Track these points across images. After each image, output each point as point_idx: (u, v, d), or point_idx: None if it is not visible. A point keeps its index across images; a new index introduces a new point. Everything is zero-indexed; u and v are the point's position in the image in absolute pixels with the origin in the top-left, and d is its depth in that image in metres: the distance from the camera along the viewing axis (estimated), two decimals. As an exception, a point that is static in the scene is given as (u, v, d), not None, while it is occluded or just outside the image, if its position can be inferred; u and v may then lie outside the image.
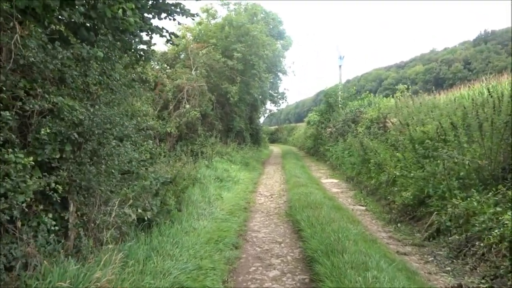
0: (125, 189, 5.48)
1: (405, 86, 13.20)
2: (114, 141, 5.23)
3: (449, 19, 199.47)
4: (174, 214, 6.45)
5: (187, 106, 15.42)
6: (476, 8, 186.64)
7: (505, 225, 4.36)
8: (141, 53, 6.92)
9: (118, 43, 5.64)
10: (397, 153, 8.59)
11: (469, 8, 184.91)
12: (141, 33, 6.42)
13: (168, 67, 17.01)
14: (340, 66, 34.14)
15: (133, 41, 6.04)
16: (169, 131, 15.41)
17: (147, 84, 16.21)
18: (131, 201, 5.46)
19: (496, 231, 4.33)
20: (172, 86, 15.95)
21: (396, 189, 7.74)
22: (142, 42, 6.17)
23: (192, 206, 7.35)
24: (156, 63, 17.22)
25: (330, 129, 18.14)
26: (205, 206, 7.71)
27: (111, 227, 4.74)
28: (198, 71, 16.64)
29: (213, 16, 19.68)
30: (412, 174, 6.90)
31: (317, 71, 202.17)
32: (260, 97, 25.09)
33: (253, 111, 26.20)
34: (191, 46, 16.84)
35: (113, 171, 4.98)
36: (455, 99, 9.49)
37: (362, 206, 8.56)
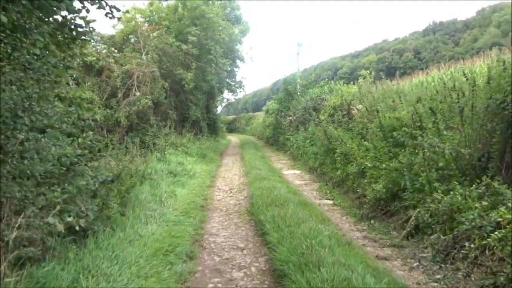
0: (50, 193, 4.43)
1: (368, 71, 12.75)
2: (32, 133, 4.17)
3: (399, 10, 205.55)
4: (117, 219, 5.46)
5: (137, 93, 14.19)
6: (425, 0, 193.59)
7: (503, 226, 3.78)
8: (78, 29, 5.78)
9: (37, 11, 4.52)
10: (365, 142, 8.01)
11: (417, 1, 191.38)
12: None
13: (116, 51, 15.57)
14: (298, 53, 33.75)
15: (57, 9, 4.91)
16: (118, 121, 14.18)
17: (91, 69, 14.85)
18: (58, 207, 4.43)
19: (496, 233, 3.74)
20: (121, 71, 14.63)
21: (365, 181, 7.15)
22: (70, 10, 5.04)
23: (140, 207, 6.37)
24: (102, 46, 15.72)
25: (290, 118, 17.51)
26: (155, 207, 6.74)
27: (27, 243, 3.73)
28: (149, 55, 15.36)
29: (165, -2, 18.30)
30: (384, 165, 6.29)
31: (274, 60, 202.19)
32: (217, 85, 24.05)
33: (210, 99, 25.13)
34: (141, 28, 15.46)
35: (29, 171, 3.93)
36: (422, 84, 9.08)
37: (329, 200, 7.93)
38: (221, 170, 13.30)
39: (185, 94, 18.96)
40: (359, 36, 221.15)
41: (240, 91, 28.94)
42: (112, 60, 15.09)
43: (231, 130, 48.19)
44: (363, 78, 12.62)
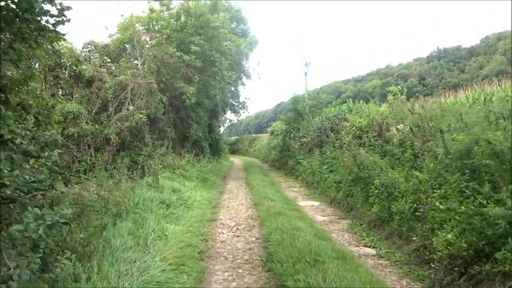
0: None
1: (398, 87, 10.98)
2: None
3: (402, 36, 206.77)
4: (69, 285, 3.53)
5: (131, 107, 12.39)
6: (428, 27, 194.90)
7: None
8: (45, 23, 3.99)
9: None
10: (416, 172, 6.10)
11: (421, 26, 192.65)
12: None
13: (109, 60, 13.88)
14: (305, 73, 32.22)
15: None
16: (107, 138, 12.35)
17: (80, 79, 13.13)
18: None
19: None
20: (114, 83, 12.88)
21: (426, 226, 5.22)
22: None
23: (112, 258, 4.43)
24: (94, 55, 14.05)
25: (303, 139, 15.65)
26: (136, 256, 4.79)
27: None
28: (146, 65, 13.65)
29: (167, 7, 16.68)
30: (463, 208, 4.37)
31: (278, 81, 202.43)
32: (222, 103, 22.37)
33: (213, 118, 23.40)
34: (138, 35, 13.78)
35: None
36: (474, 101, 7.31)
37: (370, 247, 5.98)
38: (224, 198, 11.35)
39: (186, 111, 17.18)
40: (362, 61, 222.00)
41: (243, 112, 27.45)
42: (104, 70, 13.39)
43: (233, 152, 46.50)
44: (393, 95, 10.86)
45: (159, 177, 9.14)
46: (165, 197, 7.95)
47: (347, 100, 15.08)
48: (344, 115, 13.31)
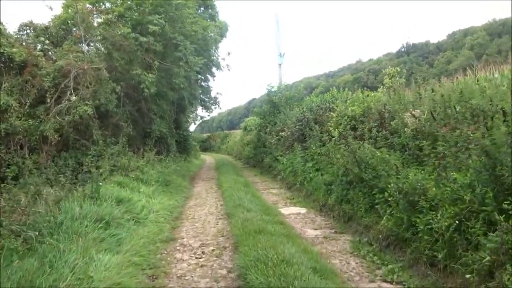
0: None
1: (397, 68, 9.27)
2: None
3: (372, 32, 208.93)
4: None
5: (73, 98, 10.14)
6: (397, 22, 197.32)
7: None
8: None
9: None
10: (454, 174, 4.31)
11: (390, 21, 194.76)
12: None
13: (47, 42, 11.56)
14: (280, 64, 30.57)
15: None
16: (45, 136, 10.10)
17: (9, 64, 10.78)
18: None
19: None
20: (53, 69, 10.58)
21: (481, 256, 3.44)
22: None
23: None
24: (32, 38, 11.67)
25: (283, 133, 13.77)
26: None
27: None
28: (91, 47, 11.42)
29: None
30: None
31: (251, 76, 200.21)
32: (189, 96, 20.22)
33: (180, 112, 21.22)
34: (81, 12, 11.42)
35: None
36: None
37: (392, 284, 4.14)
38: (189, 206, 9.34)
39: (146, 104, 14.98)
40: (333, 57, 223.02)
41: (215, 108, 25.47)
42: (40, 53, 11.05)
43: (205, 149, 44.41)
44: (390, 78, 9.14)
45: (100, 184, 7.01)
46: (104, 212, 5.85)
47: (331, 88, 13.32)
48: (329, 104, 11.53)
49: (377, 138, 6.85)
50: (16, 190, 6.66)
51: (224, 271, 4.65)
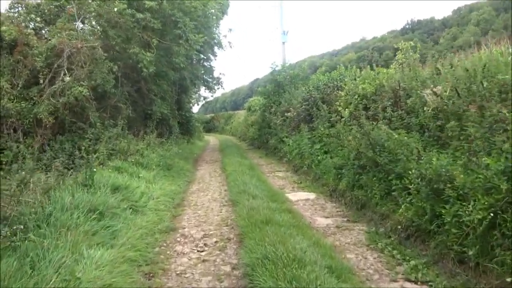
0: None
1: (410, 43, 8.62)
2: None
3: (374, 9, 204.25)
4: None
5: (67, 78, 9.60)
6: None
7: None
8: None
9: None
10: (487, 159, 3.80)
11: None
12: None
13: (38, 20, 10.96)
14: (283, 42, 29.65)
15: None
16: (38, 119, 9.64)
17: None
18: None
19: None
20: (45, 48, 10.01)
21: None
22: None
23: None
24: (18, 14, 11.05)
25: (288, 113, 13.20)
26: None
27: None
28: (86, 25, 10.82)
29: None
30: None
31: (254, 56, 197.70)
32: (191, 75, 19.59)
33: (182, 93, 20.63)
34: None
35: None
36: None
37: (417, 283, 3.68)
38: (192, 191, 8.91)
39: (146, 84, 14.43)
40: (336, 35, 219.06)
41: (218, 88, 24.82)
42: (32, 31, 10.47)
43: (209, 130, 43.98)
44: (403, 54, 8.49)
45: (95, 170, 6.55)
46: (98, 201, 5.40)
47: (338, 66, 12.68)
48: (337, 83, 10.93)
49: (392, 119, 6.31)
50: (6, 177, 6.27)
51: (228, 268, 4.21)
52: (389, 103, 6.72)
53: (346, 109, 8.26)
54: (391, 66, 8.81)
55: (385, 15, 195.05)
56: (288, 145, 12.31)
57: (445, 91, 5.18)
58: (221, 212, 6.77)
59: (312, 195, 7.73)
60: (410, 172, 4.65)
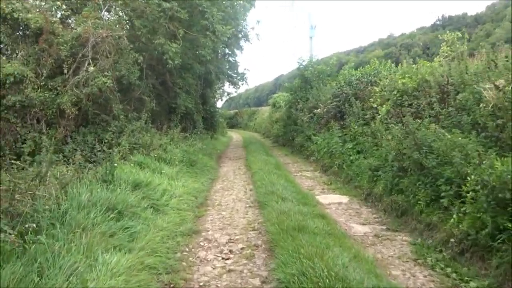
0: None
1: (457, 33, 7.90)
2: None
3: (402, 5, 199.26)
4: None
5: (91, 68, 9.33)
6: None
7: None
8: None
9: None
10: None
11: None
12: None
13: (64, 7, 10.74)
14: (311, 37, 28.96)
15: None
16: (62, 110, 9.44)
17: (24, 32, 10.09)
18: None
19: None
20: (70, 37, 9.78)
21: None
22: None
23: None
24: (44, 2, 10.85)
25: (318, 110, 12.62)
26: None
27: None
28: (112, 13, 10.54)
29: None
30: None
31: (278, 52, 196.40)
32: (216, 69, 19.21)
33: (207, 87, 20.28)
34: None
35: None
36: None
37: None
38: (216, 189, 8.49)
39: (171, 77, 14.11)
40: (362, 32, 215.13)
41: (242, 84, 24.42)
42: (57, 19, 10.26)
43: (232, 126, 43.63)
44: (448, 46, 7.79)
45: (115, 165, 6.19)
46: (118, 199, 5.03)
47: (372, 60, 12.01)
48: (372, 78, 10.29)
49: (440, 116, 5.68)
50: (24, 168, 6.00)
51: (257, 282, 3.73)
52: (435, 99, 6.08)
53: (383, 106, 7.65)
54: (435, 59, 8.12)
55: (414, 11, 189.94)
56: (316, 143, 11.75)
57: (508, 86, 4.54)
58: (247, 214, 6.31)
59: (344, 198, 7.18)
60: (469, 178, 4.05)
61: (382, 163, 6.83)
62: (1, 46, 10.13)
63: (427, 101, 6.31)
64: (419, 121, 5.75)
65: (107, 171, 5.78)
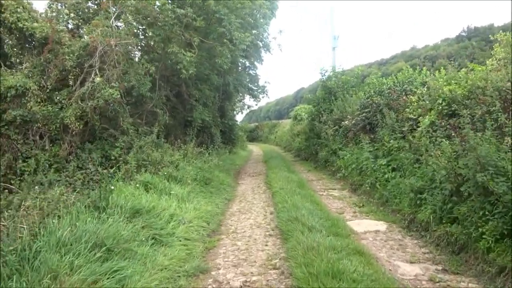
0: None
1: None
2: None
3: (427, 17, 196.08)
4: None
5: (98, 79, 8.60)
6: (454, 6, 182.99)
7: None
8: None
9: None
10: None
11: (446, 6, 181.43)
12: None
13: (72, 15, 10.14)
14: (334, 48, 27.98)
15: None
16: (65, 125, 8.74)
17: (30, 42, 9.50)
18: None
19: None
20: (78, 46, 9.14)
21: None
22: None
23: None
24: (48, 9, 10.27)
25: (346, 122, 11.54)
26: None
27: None
28: (121, 20, 9.85)
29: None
30: None
31: (299, 64, 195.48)
32: (235, 81, 18.45)
33: (225, 100, 19.52)
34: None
35: None
36: None
37: None
38: (231, 212, 7.51)
39: (187, 89, 13.35)
40: (384, 45, 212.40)
41: (263, 97, 23.69)
42: (64, 28, 9.65)
43: (252, 139, 42.88)
44: (502, 47, 6.69)
45: (113, 187, 5.31)
46: (108, 233, 4.11)
47: (405, 67, 10.94)
48: (406, 86, 9.22)
49: (506, 129, 4.58)
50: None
51: None
52: (496, 107, 4.98)
53: (427, 117, 6.55)
54: (487, 62, 7.02)
55: (438, 23, 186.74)
56: (343, 158, 10.67)
57: None
58: (266, 245, 5.30)
59: (382, 225, 6.08)
60: None
61: (428, 184, 5.73)
62: (4, 57, 9.57)
63: (483, 110, 5.21)
64: (479, 134, 4.65)
65: (101, 196, 4.89)
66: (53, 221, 3.99)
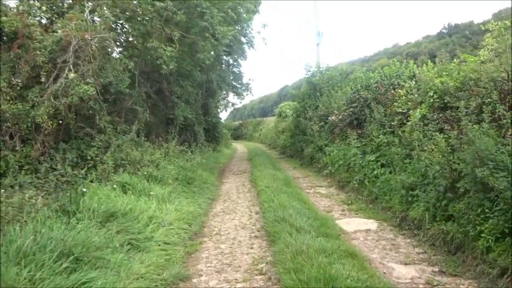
0: None
1: (505, 22, 6.62)
2: None
3: (408, 15, 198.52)
4: None
5: (71, 74, 8.11)
6: (435, 5, 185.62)
7: None
8: None
9: None
10: None
11: (428, 5, 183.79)
12: None
13: (44, 9, 9.60)
14: (318, 44, 27.77)
15: None
16: (36, 124, 8.24)
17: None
18: None
19: None
20: (51, 41, 8.62)
21: None
22: None
23: None
24: (19, 3, 9.71)
25: (333, 117, 11.28)
26: None
27: None
28: (97, 13, 9.38)
29: None
30: None
31: (283, 61, 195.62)
32: (218, 78, 18.09)
33: (209, 97, 19.07)
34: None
35: None
36: None
37: None
38: (215, 213, 7.16)
39: (168, 85, 12.92)
40: (366, 42, 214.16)
41: (247, 94, 23.38)
42: (35, 21, 9.11)
43: (236, 137, 42.52)
44: (494, 37, 6.51)
45: (84, 190, 4.91)
46: (76, 240, 3.72)
47: (392, 61, 10.76)
48: (394, 80, 9.01)
49: (503, 121, 4.34)
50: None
51: None
52: (492, 99, 4.75)
53: (417, 110, 6.32)
54: (479, 52, 6.82)
55: (419, 20, 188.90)
56: (330, 155, 10.42)
57: None
58: (251, 248, 4.97)
59: (372, 224, 5.81)
60: None
61: (420, 180, 5.50)
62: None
63: (477, 102, 4.98)
64: (476, 126, 4.41)
65: (70, 199, 4.48)
66: (15, 228, 3.58)
